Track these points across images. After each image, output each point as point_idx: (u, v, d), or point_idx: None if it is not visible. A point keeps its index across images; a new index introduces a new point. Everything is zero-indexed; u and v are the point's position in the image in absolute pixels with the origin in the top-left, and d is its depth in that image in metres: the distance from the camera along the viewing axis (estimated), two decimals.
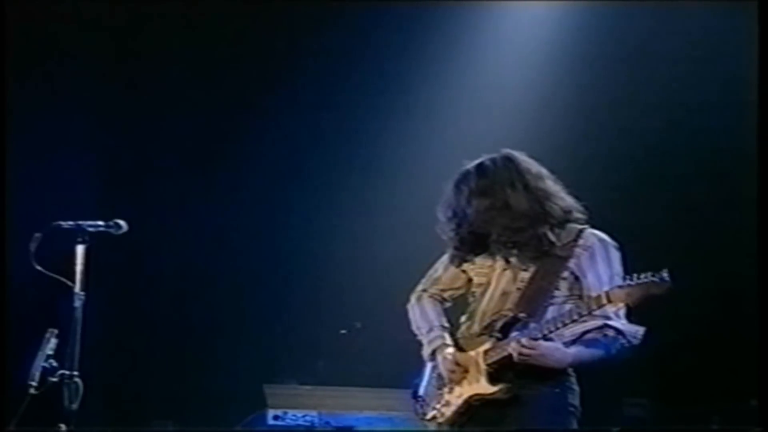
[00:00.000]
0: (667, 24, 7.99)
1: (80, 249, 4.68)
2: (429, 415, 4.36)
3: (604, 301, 3.99)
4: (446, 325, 4.44)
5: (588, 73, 8.14)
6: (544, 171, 4.33)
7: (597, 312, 4.10)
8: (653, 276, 3.93)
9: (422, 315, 4.49)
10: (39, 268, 4.65)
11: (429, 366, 4.41)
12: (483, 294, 4.33)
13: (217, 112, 8.44)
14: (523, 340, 4.07)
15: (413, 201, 7.70)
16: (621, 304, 4.01)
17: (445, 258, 4.47)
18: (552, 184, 4.31)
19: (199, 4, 8.07)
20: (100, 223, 4.77)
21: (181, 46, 8.20)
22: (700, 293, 8.21)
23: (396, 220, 8.20)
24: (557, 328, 4.07)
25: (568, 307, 4.11)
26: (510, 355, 4.09)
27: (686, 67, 8.08)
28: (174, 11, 7.99)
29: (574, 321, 4.07)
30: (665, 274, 3.93)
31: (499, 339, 4.17)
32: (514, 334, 4.12)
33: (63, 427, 4.52)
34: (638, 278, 3.96)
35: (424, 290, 4.54)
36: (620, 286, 3.98)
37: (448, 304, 4.52)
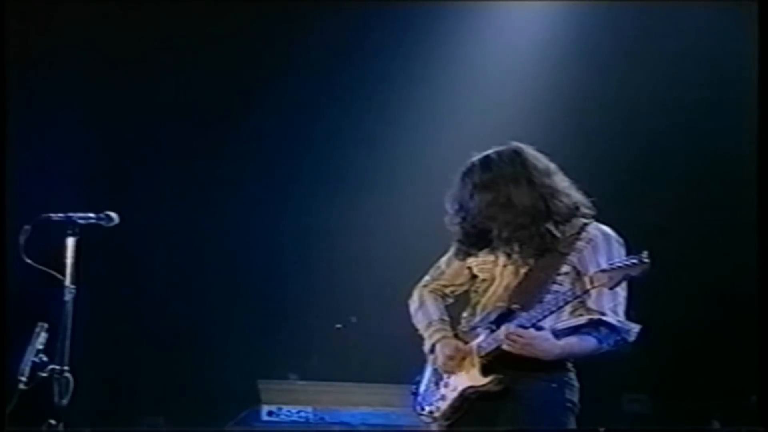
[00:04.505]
0: (667, 24, 8.00)
1: (70, 241, 4.64)
2: (426, 410, 4.34)
3: (588, 285, 4.01)
4: (446, 319, 4.41)
5: (588, 73, 8.17)
6: (552, 166, 4.28)
7: (594, 307, 4.11)
8: (633, 258, 3.98)
9: (423, 310, 4.45)
10: (28, 261, 4.61)
11: (429, 361, 4.38)
12: (486, 289, 4.29)
13: (214, 106, 8.43)
14: (511, 329, 4.05)
15: (410, 197, 7.73)
16: (607, 291, 4.02)
17: (450, 253, 4.44)
18: (560, 180, 4.26)
19: (195, 3, 8.03)
20: (91, 215, 4.73)
21: (176, 41, 8.16)
22: (701, 290, 8.23)
23: (392, 215, 8.21)
24: (545, 316, 4.06)
25: (561, 297, 4.07)
26: (501, 346, 4.07)
27: (686, 67, 8.09)
28: (168, 9, 7.95)
29: (560, 307, 4.07)
30: (645, 256, 3.95)
31: (493, 331, 4.15)
32: (505, 324, 4.10)
33: (53, 422, 4.46)
34: (619, 261, 4.01)
35: (425, 285, 4.51)
36: (603, 270, 4.00)
37: (450, 300, 4.49)
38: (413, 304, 4.49)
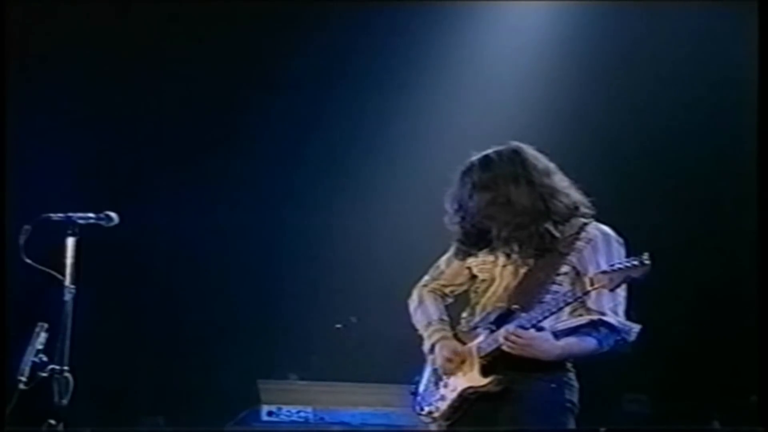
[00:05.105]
0: (667, 24, 8.00)
1: (70, 241, 4.64)
2: (425, 411, 4.34)
3: (588, 286, 4.00)
4: (446, 319, 4.41)
5: (588, 73, 8.17)
6: (551, 166, 4.28)
7: (593, 307, 4.11)
8: (634, 259, 3.97)
9: (422, 310, 4.45)
10: (28, 261, 4.61)
11: (428, 361, 4.38)
12: (486, 290, 4.29)
13: (214, 106, 8.42)
14: (511, 329, 4.05)
15: (409, 197, 7.74)
16: (606, 291, 4.01)
17: (449, 253, 4.44)
18: (559, 180, 4.26)
19: (195, 3, 8.03)
20: (91, 215, 4.73)
21: (176, 41, 8.16)
22: (701, 290, 8.23)
23: (392, 215, 8.20)
24: (545, 317, 4.05)
25: (562, 298, 4.07)
26: (501, 347, 4.08)
27: (686, 67, 8.08)
28: (168, 8, 7.95)
29: (560, 308, 4.07)
30: (646, 258, 3.95)
31: (492, 331, 4.15)
32: (506, 325, 4.10)
33: (53, 422, 4.46)
34: (620, 262, 4.00)
35: (425, 285, 4.51)
36: (603, 271, 4.00)
37: (449, 300, 4.49)
38: (413, 303, 4.49)
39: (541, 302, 4.10)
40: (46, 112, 8.02)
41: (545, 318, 4.06)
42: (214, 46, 8.26)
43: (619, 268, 3.97)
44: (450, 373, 4.23)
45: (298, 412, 6.92)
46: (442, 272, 4.46)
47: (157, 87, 8.21)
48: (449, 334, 4.31)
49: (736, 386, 7.65)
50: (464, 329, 4.30)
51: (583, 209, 4.25)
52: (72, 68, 8.10)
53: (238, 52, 8.31)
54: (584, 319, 4.12)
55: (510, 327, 4.06)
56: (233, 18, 8.12)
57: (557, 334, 4.09)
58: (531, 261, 4.18)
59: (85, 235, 4.65)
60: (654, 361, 7.50)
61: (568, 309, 4.13)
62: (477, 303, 4.30)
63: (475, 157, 4.31)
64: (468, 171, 4.28)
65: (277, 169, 8.59)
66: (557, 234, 4.16)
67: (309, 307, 8.34)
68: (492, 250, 4.27)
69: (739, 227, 7.53)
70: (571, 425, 4.19)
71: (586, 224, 4.21)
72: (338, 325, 7.95)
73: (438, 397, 4.28)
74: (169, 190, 8.34)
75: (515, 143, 4.32)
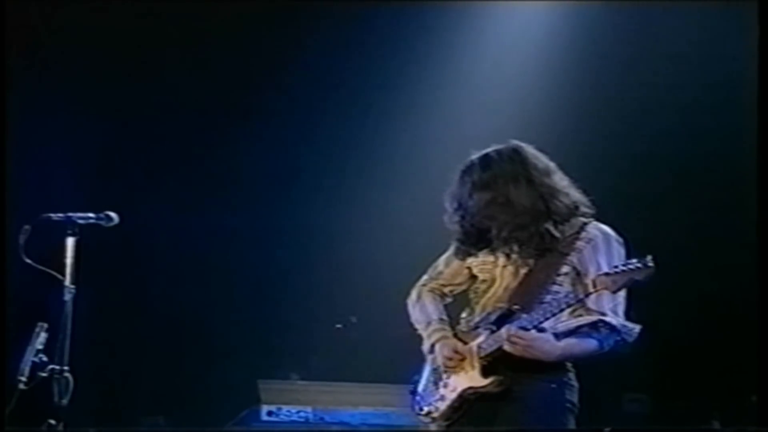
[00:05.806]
0: (667, 24, 7.99)
1: (70, 241, 4.64)
2: (424, 411, 4.33)
3: (591, 288, 3.99)
4: (445, 318, 4.40)
5: (588, 72, 8.15)
6: (551, 165, 4.27)
7: (594, 307, 4.10)
8: (638, 262, 3.94)
9: (421, 309, 4.44)
10: (28, 261, 4.61)
11: (428, 361, 4.37)
12: (486, 290, 4.29)
13: (214, 106, 8.42)
14: (512, 330, 4.04)
15: (408, 197, 7.74)
16: (607, 291, 3.99)
17: (449, 252, 4.43)
18: (559, 180, 4.25)
19: (195, 3, 8.04)
20: (91, 215, 4.74)
21: (176, 41, 8.16)
22: (701, 290, 8.23)
23: (392, 215, 8.20)
24: (546, 318, 4.05)
25: (564, 299, 4.06)
26: (502, 348, 4.07)
27: (686, 67, 8.08)
28: (168, 8, 7.96)
29: (562, 310, 4.05)
30: (649, 261, 3.92)
31: (493, 332, 4.14)
32: (506, 325, 4.09)
33: (53, 422, 4.46)
34: (623, 264, 3.97)
35: (424, 285, 4.50)
36: (606, 273, 3.98)
37: (448, 300, 4.48)
38: (411, 303, 4.49)
39: (542, 303, 4.08)
40: (46, 112, 8.02)
41: (547, 319, 4.05)
42: (214, 46, 8.26)
43: (623, 270, 3.94)
44: (450, 372, 4.23)
45: (298, 412, 6.92)
46: (440, 272, 4.45)
47: (157, 87, 8.21)
48: (449, 333, 4.30)
49: (736, 386, 7.65)
50: (464, 329, 4.29)
51: (583, 209, 4.23)
52: (72, 68, 8.10)
53: (238, 52, 8.31)
54: (585, 319, 4.11)
55: (512, 328, 4.05)
56: (233, 18, 8.12)
57: (558, 335, 4.09)
58: (531, 261, 4.17)
59: (85, 235, 4.66)
60: (654, 361, 7.50)
61: (568, 309, 4.13)
62: (477, 303, 4.29)
63: (475, 156, 4.30)
64: (468, 170, 4.27)
65: (277, 168, 8.59)
66: (557, 234, 4.15)
67: (309, 307, 8.34)
68: (492, 250, 4.25)
69: (739, 227, 7.52)
70: (572, 425, 4.18)
71: (586, 224, 4.20)
72: (338, 325, 7.96)
73: (437, 397, 4.27)
74: (169, 190, 8.35)
75: (515, 142, 4.30)
